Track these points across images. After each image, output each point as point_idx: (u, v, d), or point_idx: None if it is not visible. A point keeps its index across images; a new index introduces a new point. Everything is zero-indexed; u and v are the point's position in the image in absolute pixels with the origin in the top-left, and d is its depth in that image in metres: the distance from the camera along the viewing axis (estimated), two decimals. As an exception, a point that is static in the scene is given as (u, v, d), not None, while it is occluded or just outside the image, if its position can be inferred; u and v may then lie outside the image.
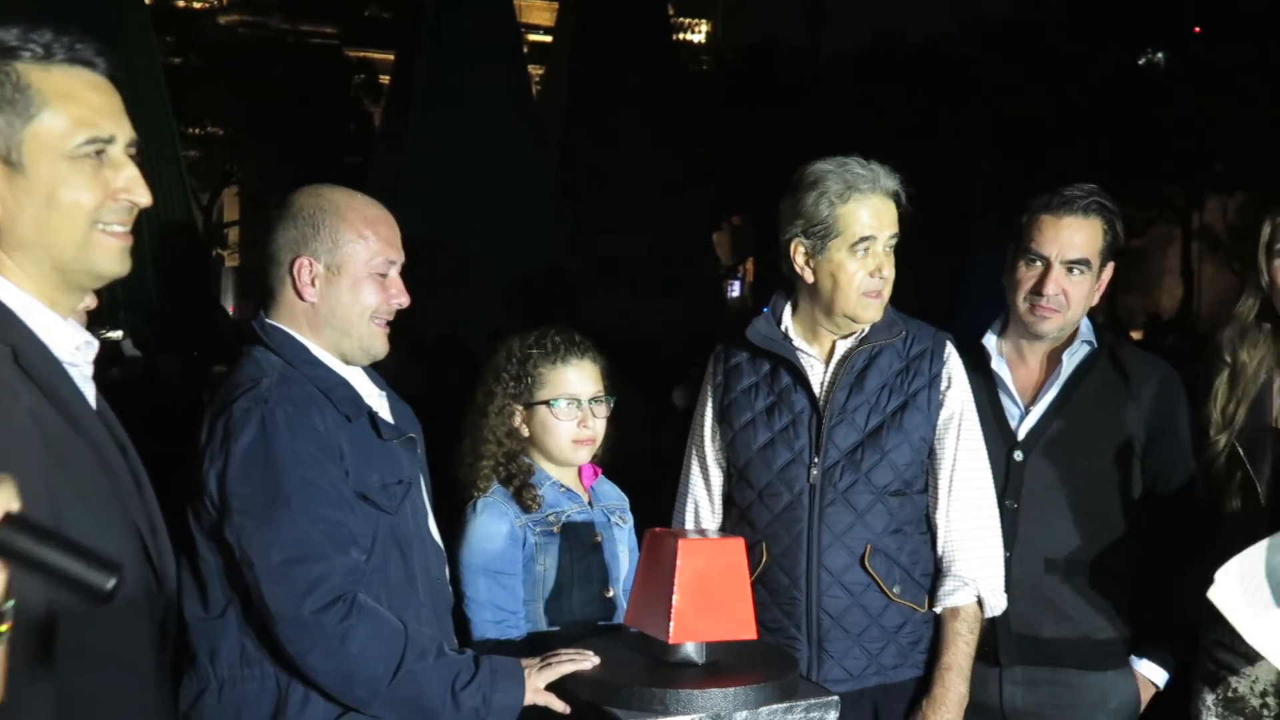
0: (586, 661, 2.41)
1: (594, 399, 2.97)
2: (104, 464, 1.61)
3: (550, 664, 2.41)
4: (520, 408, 2.96)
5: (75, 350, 1.64)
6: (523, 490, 2.90)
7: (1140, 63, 23.91)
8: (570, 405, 2.94)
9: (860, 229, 2.89)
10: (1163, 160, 21.63)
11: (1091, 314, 3.23)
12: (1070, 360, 3.15)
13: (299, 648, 2.27)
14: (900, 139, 18.36)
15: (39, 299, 1.61)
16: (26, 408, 1.51)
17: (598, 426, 2.98)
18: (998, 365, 3.19)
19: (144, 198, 1.69)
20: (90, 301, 2.52)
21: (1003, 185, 15.05)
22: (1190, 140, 21.04)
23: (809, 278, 2.97)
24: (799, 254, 2.96)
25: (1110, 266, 3.18)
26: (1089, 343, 3.17)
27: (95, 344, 1.71)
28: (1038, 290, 3.09)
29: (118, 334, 6.95)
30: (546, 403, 2.93)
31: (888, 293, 2.96)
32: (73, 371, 1.63)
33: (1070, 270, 3.09)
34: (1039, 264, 3.10)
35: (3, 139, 1.58)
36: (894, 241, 2.95)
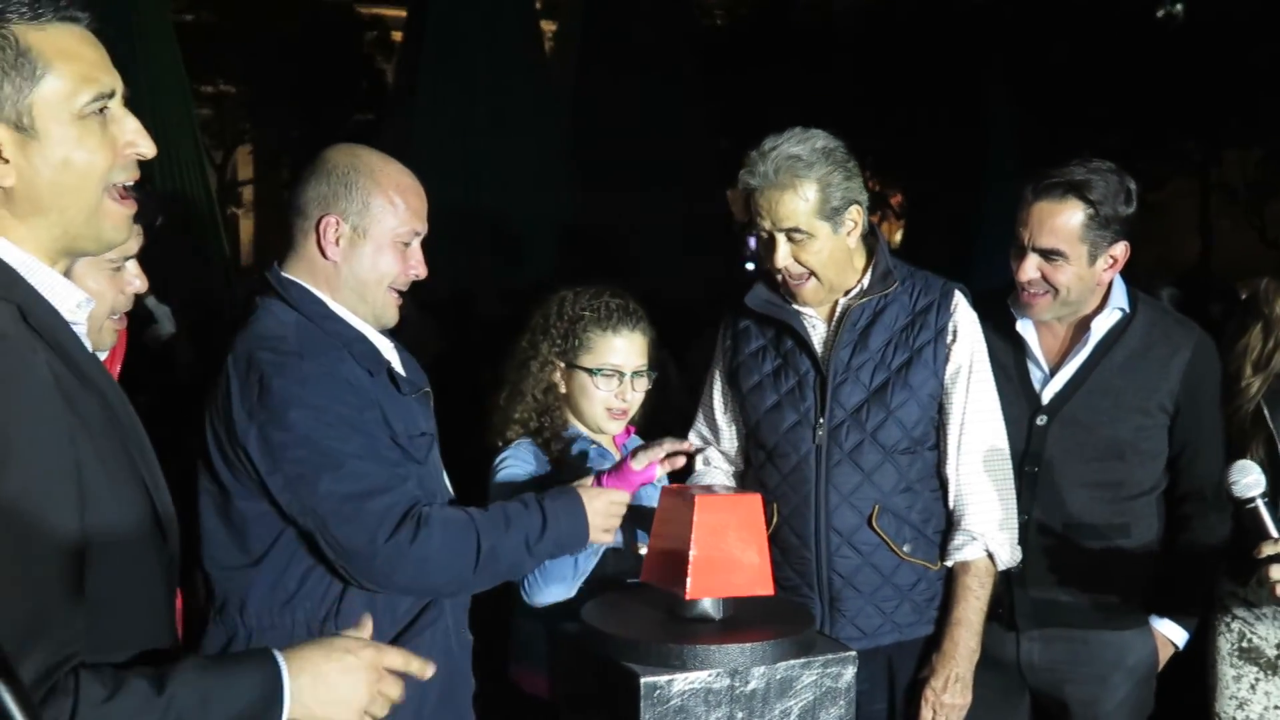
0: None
1: (636, 372, 2.97)
2: (112, 418, 1.62)
3: (608, 504, 2.58)
4: (562, 365, 2.96)
5: (76, 308, 1.64)
6: (551, 442, 2.91)
7: (1159, 15, 23.67)
8: (611, 377, 2.94)
9: (754, 221, 2.92)
10: (1181, 114, 21.43)
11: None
12: (1099, 326, 3.09)
13: (382, 575, 2.31)
14: (915, 92, 18.24)
15: (42, 259, 1.61)
16: (44, 363, 1.52)
17: (634, 399, 2.98)
18: (1023, 327, 3.14)
19: (149, 148, 1.69)
20: (142, 285, 2.52)
21: (1019, 139, 14.96)
22: (1209, 94, 20.84)
23: None
24: None
25: (1120, 245, 3.04)
26: (1121, 308, 3.11)
27: (93, 301, 1.71)
28: (1018, 275, 3.05)
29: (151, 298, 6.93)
30: (589, 370, 2.93)
31: (828, 274, 2.94)
32: (75, 329, 1.64)
33: (1045, 257, 3.02)
34: (1019, 248, 3.05)
35: (11, 105, 1.56)
36: (792, 230, 2.88)
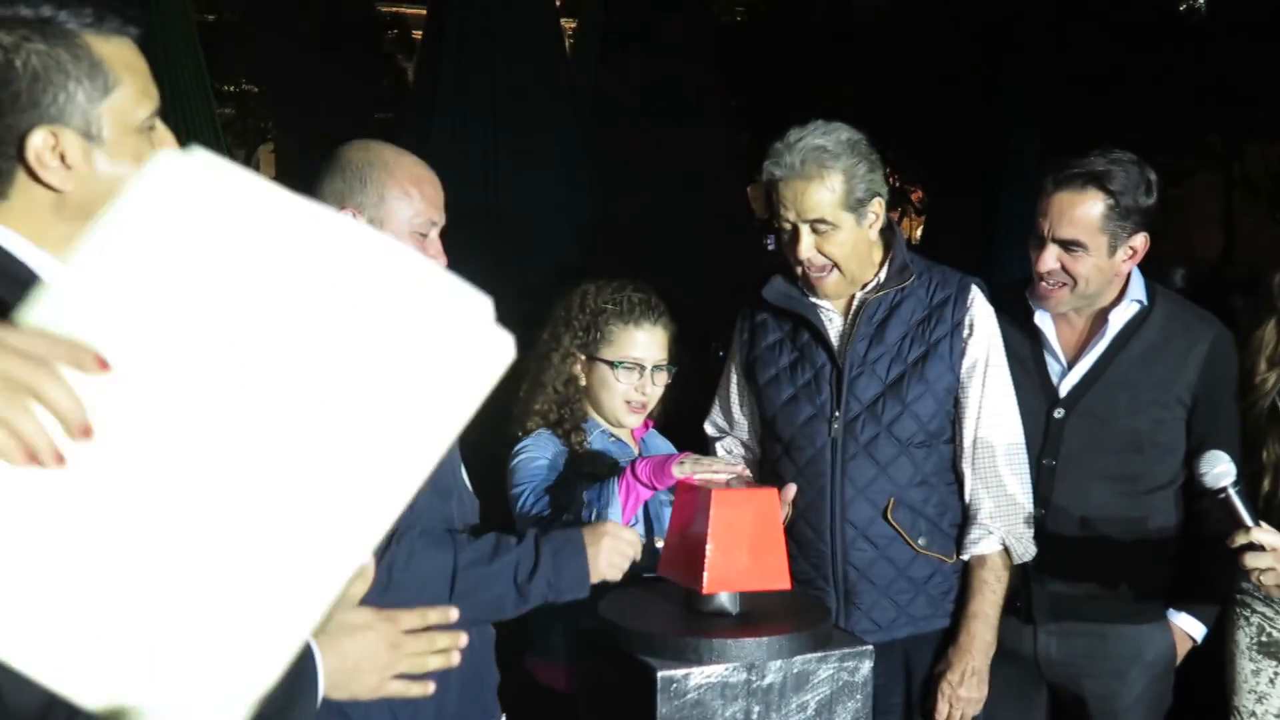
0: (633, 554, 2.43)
1: (656, 366, 2.99)
2: None
3: (616, 540, 2.42)
4: (583, 357, 2.99)
5: None
6: (571, 434, 2.93)
7: (1181, 8, 23.55)
8: (632, 370, 2.96)
9: (776, 214, 2.91)
10: (1203, 107, 21.30)
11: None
12: (1117, 319, 3.08)
13: None
14: (934, 87, 18.16)
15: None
16: None
17: (654, 393, 3.01)
18: (1041, 320, 3.13)
19: None
20: None
21: (1039, 133, 14.88)
22: (1231, 87, 20.71)
23: None
24: None
25: (1139, 236, 3.03)
26: (1139, 301, 3.10)
27: None
28: (1037, 266, 3.04)
29: None
30: (610, 362, 2.96)
31: (850, 266, 2.93)
32: None
33: (1065, 248, 3.00)
34: (1038, 239, 3.04)
35: (83, 113, 1.59)
36: (817, 221, 2.88)
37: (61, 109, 1.57)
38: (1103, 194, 2.97)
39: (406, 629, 1.75)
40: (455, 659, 1.80)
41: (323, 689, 1.64)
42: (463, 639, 1.81)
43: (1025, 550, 3.00)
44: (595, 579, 2.40)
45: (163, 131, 1.69)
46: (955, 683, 2.94)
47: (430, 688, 1.79)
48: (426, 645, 1.76)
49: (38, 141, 1.56)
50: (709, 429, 3.29)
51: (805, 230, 2.89)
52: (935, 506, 2.97)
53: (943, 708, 2.96)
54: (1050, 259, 3.01)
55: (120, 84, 1.61)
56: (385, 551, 2.25)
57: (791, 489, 2.84)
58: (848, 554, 2.95)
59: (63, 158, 1.58)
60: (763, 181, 2.94)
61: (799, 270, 2.96)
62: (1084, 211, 2.98)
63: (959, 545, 3.01)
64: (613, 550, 2.41)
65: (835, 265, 2.92)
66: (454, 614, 1.81)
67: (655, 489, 2.69)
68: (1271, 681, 3.05)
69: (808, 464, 2.99)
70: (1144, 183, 3.01)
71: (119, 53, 1.62)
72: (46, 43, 1.56)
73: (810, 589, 2.95)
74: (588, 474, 2.84)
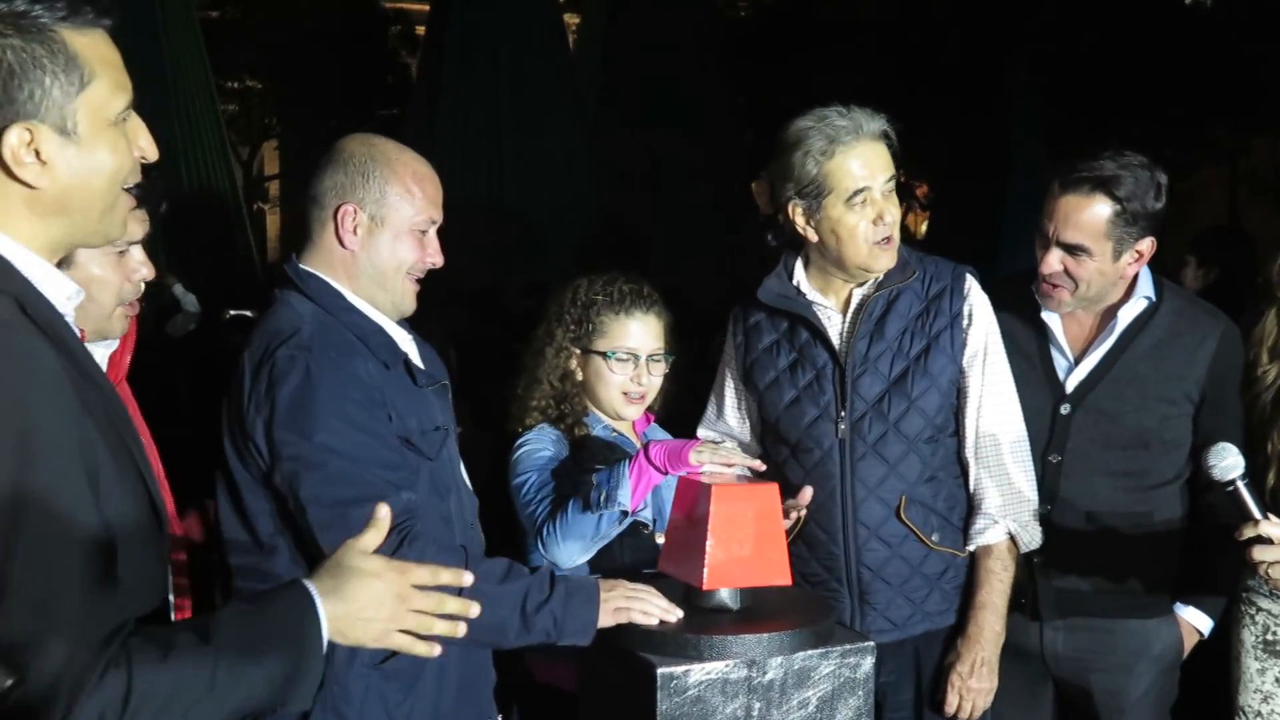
0: (671, 615, 2.33)
1: (652, 356, 2.97)
2: (109, 408, 1.63)
3: (633, 599, 2.34)
4: (577, 351, 2.97)
5: (67, 300, 1.66)
6: (573, 428, 2.92)
7: (1186, 1, 23.48)
8: (626, 360, 2.94)
9: (852, 182, 2.84)
10: (1209, 101, 21.23)
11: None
12: (1125, 315, 3.06)
13: None
14: (940, 80, 18.13)
15: (39, 252, 1.62)
16: (51, 352, 1.53)
17: (651, 383, 2.98)
18: (1049, 315, 3.11)
19: (155, 154, 1.71)
20: (148, 272, 2.56)
21: (1044, 128, 14.87)
22: (1237, 81, 20.64)
23: (812, 237, 2.93)
24: (798, 215, 2.93)
25: (1146, 241, 2.99)
26: (1148, 297, 3.07)
27: (83, 293, 1.73)
28: (1040, 268, 3.02)
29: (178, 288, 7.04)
30: (603, 354, 2.94)
31: (897, 235, 2.90)
32: (66, 320, 1.66)
33: (1069, 251, 2.98)
34: (1043, 240, 3.02)
35: (58, 108, 1.58)
36: (890, 185, 2.87)
37: (38, 105, 1.56)
38: (1110, 200, 2.94)
39: (416, 584, 1.74)
40: (461, 630, 1.79)
41: (327, 633, 1.65)
42: (474, 609, 1.80)
43: (1032, 538, 2.98)
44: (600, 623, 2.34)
45: (135, 122, 1.68)
46: (965, 674, 2.92)
47: (435, 650, 1.77)
48: (435, 604, 1.75)
49: (14, 139, 1.55)
50: (703, 434, 3.25)
51: (882, 193, 2.86)
52: (945, 501, 2.96)
53: (953, 699, 2.94)
54: (1054, 261, 3.00)
55: (96, 78, 1.60)
56: (395, 553, 2.23)
57: (808, 492, 2.77)
58: (861, 555, 2.92)
59: (38, 154, 1.57)
60: (812, 153, 2.85)
61: (865, 247, 2.88)
62: (1089, 216, 2.95)
63: (966, 537, 2.99)
64: (621, 597, 2.35)
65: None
66: (468, 578, 1.80)
67: (667, 473, 2.67)
68: (1277, 681, 3.04)
69: (815, 466, 2.96)
70: (1154, 187, 2.98)
71: (94, 46, 1.61)
72: (22, 37, 1.54)
73: (824, 590, 2.93)
74: (590, 467, 2.84)
